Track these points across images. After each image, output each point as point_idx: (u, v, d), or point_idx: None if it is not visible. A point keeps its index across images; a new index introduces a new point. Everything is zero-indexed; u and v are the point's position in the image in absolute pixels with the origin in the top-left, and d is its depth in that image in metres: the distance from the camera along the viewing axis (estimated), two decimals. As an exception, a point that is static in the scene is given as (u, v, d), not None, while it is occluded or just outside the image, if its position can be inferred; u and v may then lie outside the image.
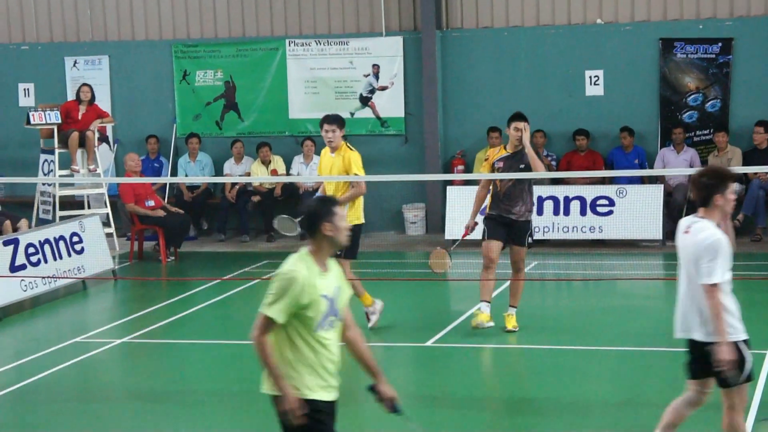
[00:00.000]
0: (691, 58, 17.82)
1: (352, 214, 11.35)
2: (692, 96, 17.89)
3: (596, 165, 17.63)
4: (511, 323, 11.79)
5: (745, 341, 7.00)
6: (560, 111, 18.29)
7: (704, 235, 6.87)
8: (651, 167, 17.57)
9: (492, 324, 11.67)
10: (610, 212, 17.06)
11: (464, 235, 12.04)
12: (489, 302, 11.67)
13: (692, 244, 6.93)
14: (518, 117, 11.75)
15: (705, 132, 17.89)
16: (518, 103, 18.18)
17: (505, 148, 11.80)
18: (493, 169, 11.69)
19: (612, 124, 18.04)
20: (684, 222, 7.12)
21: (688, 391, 7.30)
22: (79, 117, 17.57)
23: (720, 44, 17.67)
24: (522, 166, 11.56)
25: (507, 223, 11.61)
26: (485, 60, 18.53)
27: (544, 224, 17.10)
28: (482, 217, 11.85)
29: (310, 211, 5.95)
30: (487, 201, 11.87)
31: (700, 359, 7.04)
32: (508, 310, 11.84)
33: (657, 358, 10.70)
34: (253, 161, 18.83)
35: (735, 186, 7.13)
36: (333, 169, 11.60)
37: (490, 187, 11.78)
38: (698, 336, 7.01)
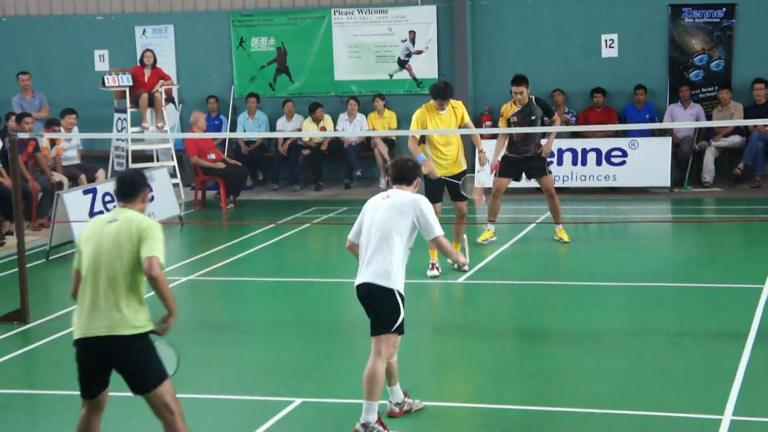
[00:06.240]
0: (698, 22, 17.62)
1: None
2: (698, 57, 17.70)
3: (611, 120, 17.54)
4: (566, 235, 13.14)
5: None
6: (579, 71, 18.17)
7: None
8: (660, 122, 17.46)
9: (495, 238, 13.21)
10: (623, 162, 17.02)
11: (493, 171, 13.17)
12: (494, 222, 13.21)
13: None
14: (516, 81, 12.74)
15: (710, 89, 17.73)
16: (541, 65, 18.08)
17: (515, 103, 12.87)
18: (509, 123, 12.84)
19: (626, 83, 17.90)
20: None
21: None
22: (146, 80, 17.66)
23: (724, 9, 17.45)
24: (533, 117, 12.73)
25: (523, 160, 12.87)
26: (511, 26, 18.40)
27: (564, 173, 17.07)
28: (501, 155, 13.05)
29: None
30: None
31: None
32: (558, 227, 13.17)
33: (664, 293, 10.69)
34: (303, 119, 18.87)
35: None
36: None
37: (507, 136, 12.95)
38: None
